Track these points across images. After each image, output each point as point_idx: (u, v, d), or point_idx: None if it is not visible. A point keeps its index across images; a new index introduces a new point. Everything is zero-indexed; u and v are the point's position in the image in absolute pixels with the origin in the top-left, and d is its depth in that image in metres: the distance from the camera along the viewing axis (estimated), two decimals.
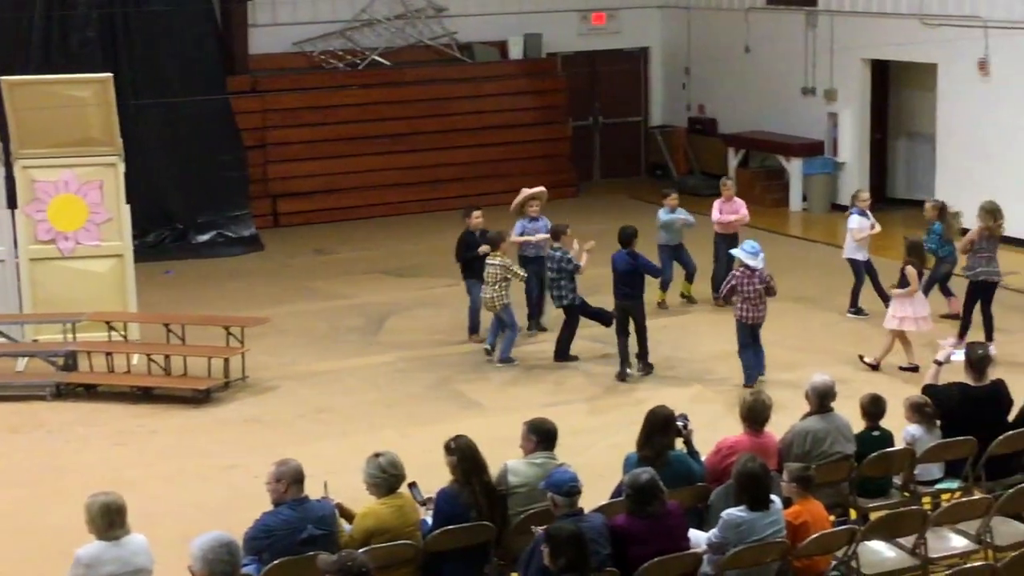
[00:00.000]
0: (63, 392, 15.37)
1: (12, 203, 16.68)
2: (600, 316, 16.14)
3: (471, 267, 16.59)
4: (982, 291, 15.63)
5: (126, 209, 16.74)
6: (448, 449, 9.28)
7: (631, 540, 8.52)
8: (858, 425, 10.60)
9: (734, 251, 15.34)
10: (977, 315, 15.70)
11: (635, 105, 28.35)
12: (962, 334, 15.43)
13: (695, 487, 9.62)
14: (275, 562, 8.43)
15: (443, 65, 25.66)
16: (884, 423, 10.64)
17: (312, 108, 24.41)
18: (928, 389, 10.85)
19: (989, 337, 15.43)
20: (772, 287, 14.71)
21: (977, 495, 10.02)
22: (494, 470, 9.39)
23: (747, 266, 14.69)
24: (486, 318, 16.59)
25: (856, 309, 17.46)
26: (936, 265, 16.71)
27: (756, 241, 15.09)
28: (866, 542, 9.23)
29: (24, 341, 16.54)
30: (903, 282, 15.10)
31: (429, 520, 9.28)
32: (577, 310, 16.02)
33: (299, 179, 24.34)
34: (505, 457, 9.59)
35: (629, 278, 15.22)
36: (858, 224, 17.24)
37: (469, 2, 25.98)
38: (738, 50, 25.93)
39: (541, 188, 17.51)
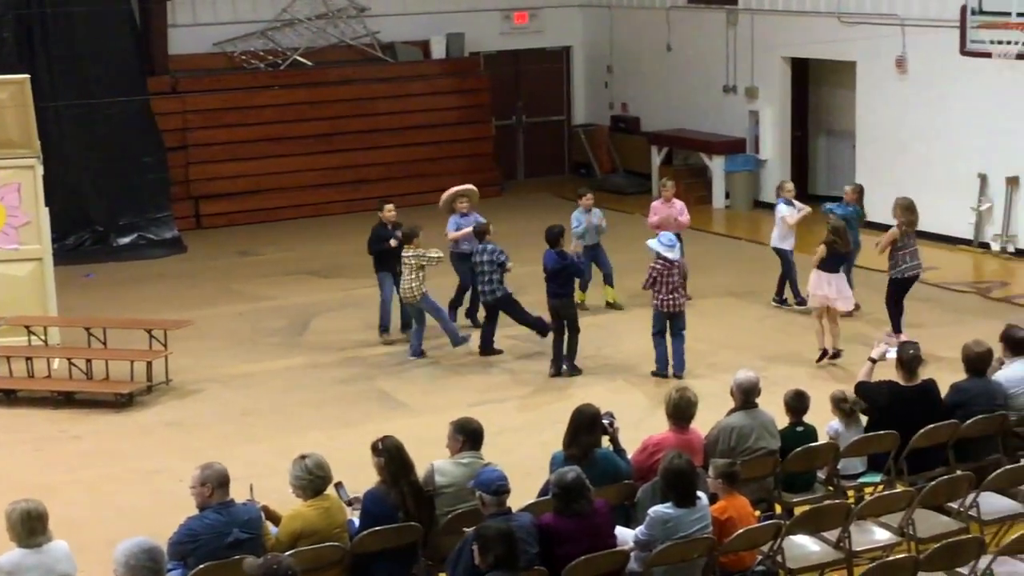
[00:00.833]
0: None
1: None
2: (538, 325, 16.17)
3: (382, 260, 16.58)
4: (908, 285, 15.82)
5: (45, 212, 16.53)
6: (375, 450, 9.25)
7: (558, 539, 8.52)
8: (782, 421, 10.67)
9: (650, 242, 15.44)
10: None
11: (558, 104, 28.41)
12: (897, 328, 15.66)
13: (622, 485, 9.65)
14: (200, 567, 8.35)
15: (365, 65, 25.58)
16: (808, 418, 10.72)
17: (234, 109, 24.25)
18: (860, 387, 10.91)
19: (900, 329, 15.68)
20: (685, 273, 15.22)
21: (899, 488, 10.13)
22: (421, 471, 9.37)
23: (665, 259, 14.87)
24: (401, 319, 16.59)
25: (782, 299, 17.63)
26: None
27: (671, 233, 15.37)
28: (791, 537, 9.29)
29: None
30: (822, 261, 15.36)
31: (356, 520, 9.24)
32: (503, 303, 16.03)
33: (221, 180, 24.17)
34: (432, 457, 9.57)
35: (558, 277, 15.31)
36: (783, 212, 17.46)
37: (391, 1, 25.91)
38: (660, 49, 26.07)
39: (470, 186, 17.55)
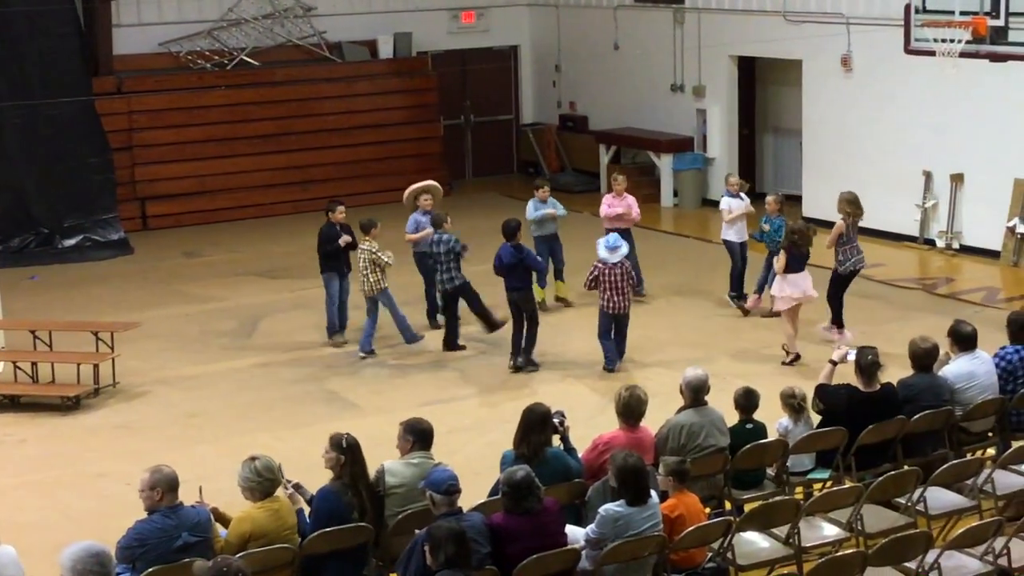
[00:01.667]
0: None
1: None
2: (490, 320, 16.16)
3: (330, 260, 16.52)
4: (850, 279, 15.93)
5: None
6: (338, 447, 9.17)
7: (508, 538, 8.52)
8: (731, 418, 10.70)
9: (598, 241, 15.48)
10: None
11: (506, 103, 28.42)
12: (842, 323, 15.76)
13: (572, 483, 9.65)
14: (149, 570, 8.30)
15: (312, 65, 25.50)
16: (758, 415, 10.75)
17: (180, 109, 24.10)
18: (819, 389, 10.89)
19: (842, 323, 15.79)
20: (636, 286, 15.38)
21: (847, 484, 10.18)
22: (371, 471, 9.34)
23: (602, 260, 15.06)
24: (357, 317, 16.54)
25: (737, 293, 17.68)
26: (770, 257, 16.83)
27: (618, 235, 15.49)
28: (741, 533, 9.33)
29: None
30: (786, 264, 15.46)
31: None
32: (461, 291, 16.04)
33: (167, 181, 24.02)
34: (382, 458, 9.54)
35: (515, 271, 15.36)
36: (726, 205, 17.52)
37: (338, 1, 25.84)
38: (607, 47, 26.12)
39: (432, 182, 17.53)
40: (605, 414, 12.07)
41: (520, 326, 15.52)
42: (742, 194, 17.68)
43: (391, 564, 9.06)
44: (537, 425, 9.64)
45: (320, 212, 23.44)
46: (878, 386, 10.75)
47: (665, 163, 24.55)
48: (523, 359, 15.50)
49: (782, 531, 9.44)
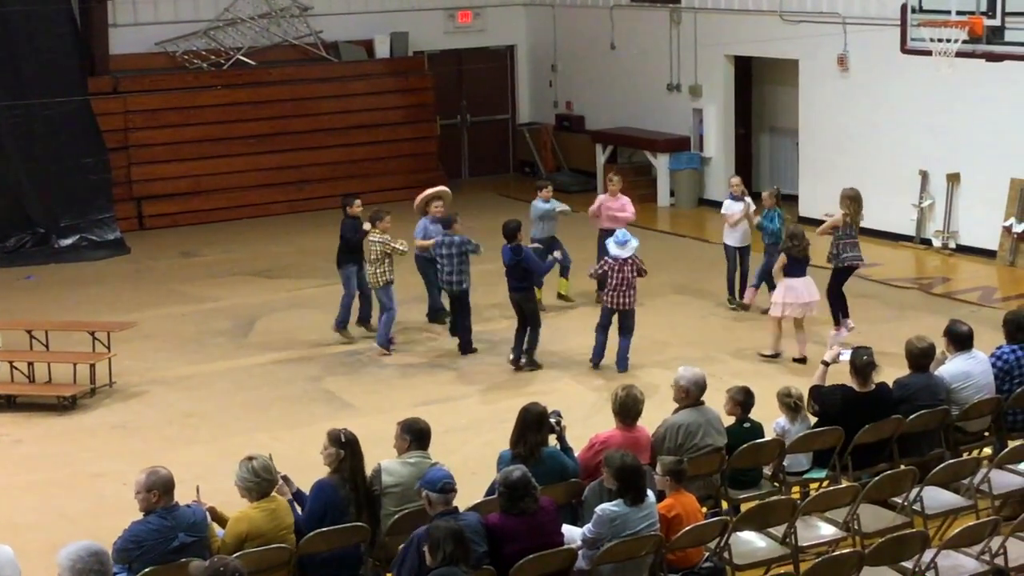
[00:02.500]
0: None
1: None
2: (466, 340, 16.19)
3: (354, 252, 16.49)
4: (847, 275, 15.94)
5: None
6: (338, 442, 9.18)
7: (505, 537, 8.52)
8: (727, 418, 10.71)
9: (607, 241, 15.51)
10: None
11: (502, 103, 28.42)
12: (839, 320, 15.77)
13: (569, 483, 9.65)
14: (146, 570, 8.29)
15: (309, 64, 25.49)
16: (755, 415, 10.75)
17: (176, 109, 24.08)
18: (814, 391, 10.90)
19: (846, 315, 15.79)
20: (643, 269, 15.17)
21: (844, 484, 10.18)
22: (367, 471, 9.34)
23: (614, 256, 15.02)
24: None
25: (731, 296, 17.70)
26: (769, 253, 16.85)
27: (627, 230, 15.44)
28: (737, 533, 9.33)
29: None
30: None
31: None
32: (466, 296, 16.08)
33: (164, 181, 24.00)
34: (379, 457, 9.54)
35: (514, 272, 15.38)
36: (727, 208, 17.54)
37: (334, 1, 25.83)
38: (604, 47, 26.13)
39: (444, 188, 17.53)
40: (602, 413, 12.08)
41: (523, 325, 15.53)
42: (746, 197, 17.68)
43: (387, 564, 9.06)
44: (533, 425, 9.64)
45: (315, 212, 23.72)
46: (873, 386, 10.75)
47: (661, 163, 24.55)
48: (525, 359, 15.52)
49: (779, 531, 9.44)
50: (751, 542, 9.48)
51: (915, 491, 9.90)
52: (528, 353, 15.57)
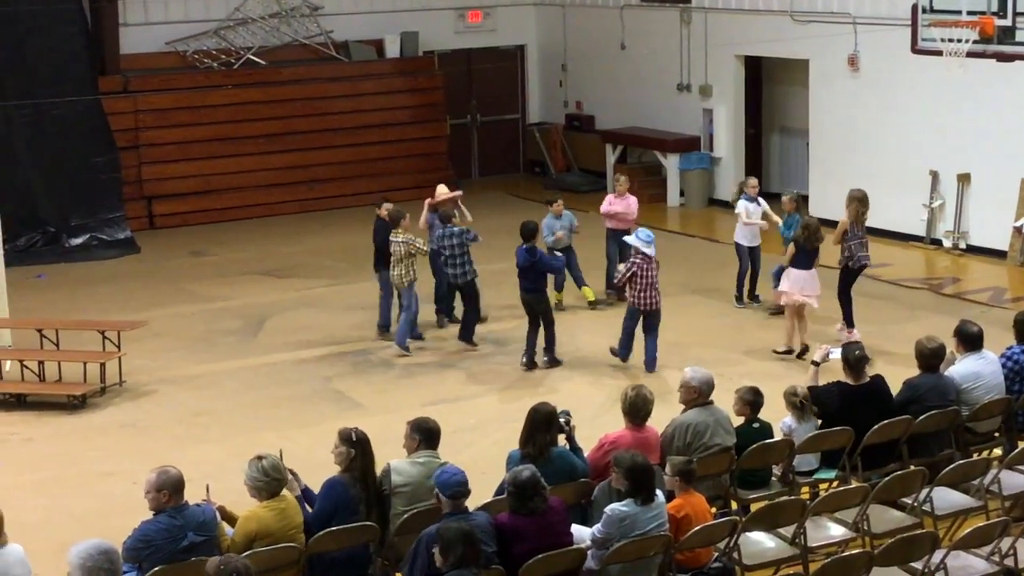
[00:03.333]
0: None
1: None
2: (470, 331, 16.24)
3: (386, 255, 16.47)
4: (856, 275, 15.94)
5: None
6: (349, 441, 9.20)
7: (514, 537, 8.52)
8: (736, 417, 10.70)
9: (628, 239, 15.52)
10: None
11: (512, 103, 28.42)
12: (851, 321, 15.77)
13: (578, 483, 9.65)
14: (155, 569, 8.30)
15: (319, 64, 25.51)
16: (764, 414, 10.74)
17: (186, 108, 24.11)
18: (810, 391, 10.93)
19: (852, 323, 15.79)
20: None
21: (854, 484, 10.18)
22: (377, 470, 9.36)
23: (644, 254, 14.95)
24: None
25: (740, 295, 17.71)
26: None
27: (650, 230, 15.47)
28: (747, 533, 9.33)
29: None
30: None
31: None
32: (469, 287, 16.09)
33: (174, 180, 24.02)
34: (387, 457, 9.55)
35: (529, 273, 15.39)
36: (742, 208, 17.57)
37: (345, 0, 25.84)
38: (614, 47, 26.11)
39: (459, 192, 17.56)
40: (611, 413, 12.08)
41: (535, 326, 15.53)
42: (760, 199, 17.69)
43: (396, 563, 9.07)
44: (543, 424, 9.64)
45: (325, 211, 23.77)
46: (867, 379, 10.79)
47: (671, 163, 24.54)
48: (547, 357, 15.55)
49: (788, 531, 9.43)
50: (760, 542, 9.47)
51: (925, 492, 9.89)
52: (548, 351, 15.59)
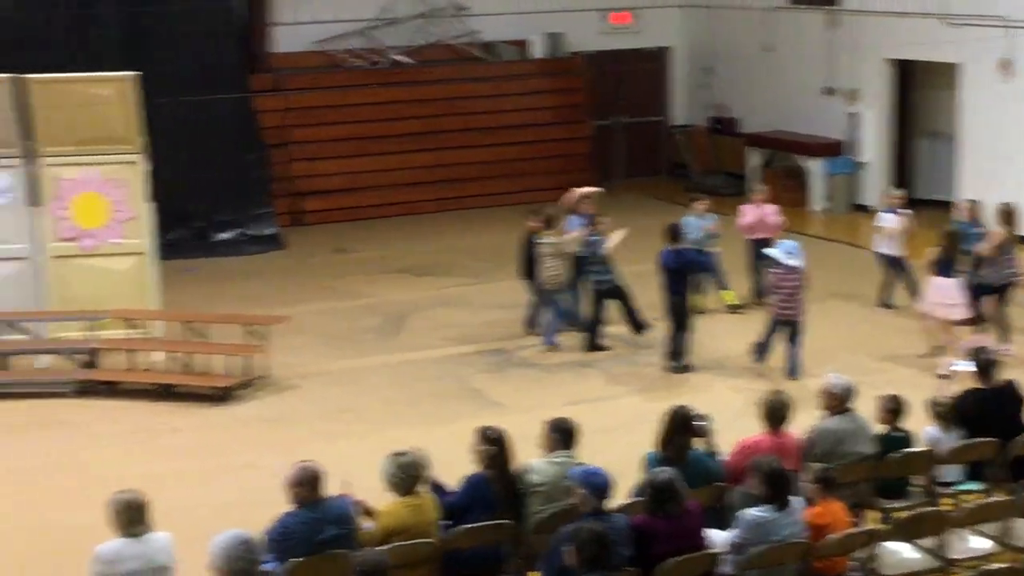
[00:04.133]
0: (85, 389, 15.41)
1: (35, 201, 16.71)
2: (638, 321, 16.18)
3: (532, 261, 16.52)
4: (1003, 291, 15.65)
5: (149, 207, 16.76)
6: (487, 439, 9.31)
7: (651, 539, 8.51)
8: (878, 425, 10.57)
9: (769, 250, 15.38)
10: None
11: (656, 104, 28.32)
12: (1007, 337, 15.54)
13: (713, 487, 9.61)
14: (294, 560, 8.44)
15: (464, 64, 25.67)
16: (907, 423, 10.60)
17: (333, 107, 24.44)
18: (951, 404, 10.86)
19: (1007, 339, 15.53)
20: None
21: (999, 496, 9.98)
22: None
23: (784, 265, 14.89)
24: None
25: (881, 302, 17.59)
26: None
27: (794, 241, 15.33)
28: (886, 543, 9.20)
29: (46, 338, 16.56)
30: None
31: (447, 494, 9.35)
32: (611, 294, 16.06)
33: (320, 178, 24.35)
34: (525, 456, 9.59)
35: (674, 275, 15.31)
36: (882, 220, 17.50)
37: (490, 1, 25.98)
38: (759, 50, 25.90)
39: (595, 188, 17.58)
40: (749, 417, 11.97)
41: (679, 329, 15.48)
42: (898, 209, 17.48)
43: (531, 562, 9.10)
44: (679, 427, 9.63)
45: (466, 211, 23.92)
46: (999, 383, 10.76)
47: (815, 167, 24.25)
48: (679, 361, 15.50)
49: (929, 542, 9.28)
50: (900, 553, 9.34)
51: None
52: (682, 355, 15.52)
